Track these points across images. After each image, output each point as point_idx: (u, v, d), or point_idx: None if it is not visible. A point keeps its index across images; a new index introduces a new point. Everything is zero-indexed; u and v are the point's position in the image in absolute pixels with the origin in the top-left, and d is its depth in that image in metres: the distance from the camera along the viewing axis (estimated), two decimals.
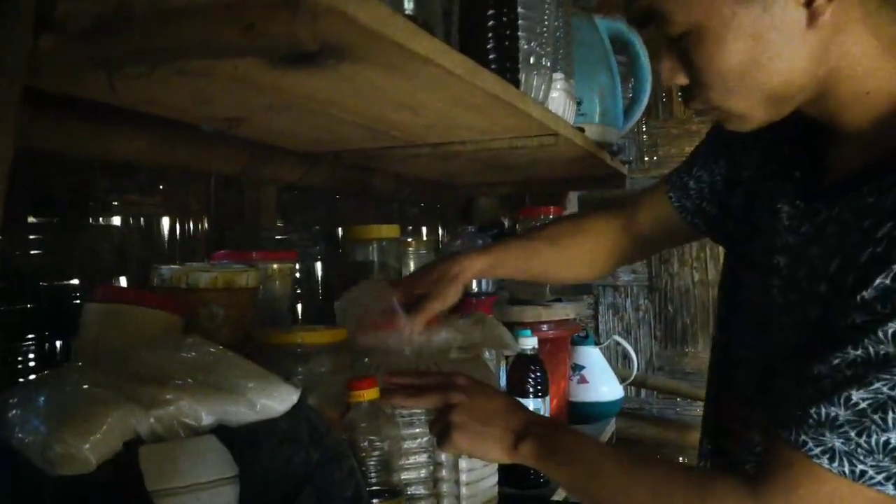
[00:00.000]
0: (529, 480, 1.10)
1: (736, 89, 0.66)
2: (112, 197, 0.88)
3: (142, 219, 0.92)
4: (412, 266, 1.50)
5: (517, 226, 1.64)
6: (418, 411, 0.88)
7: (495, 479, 0.95)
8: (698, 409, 1.59)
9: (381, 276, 1.21)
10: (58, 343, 0.79)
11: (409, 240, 1.52)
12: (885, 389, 0.55)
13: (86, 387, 0.54)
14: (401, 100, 0.78)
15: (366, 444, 0.74)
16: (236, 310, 0.86)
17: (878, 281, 0.57)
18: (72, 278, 0.82)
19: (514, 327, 1.37)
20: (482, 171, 1.48)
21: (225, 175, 1.04)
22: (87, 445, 0.49)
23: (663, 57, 0.70)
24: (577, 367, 1.53)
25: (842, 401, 0.57)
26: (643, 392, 1.94)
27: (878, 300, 0.57)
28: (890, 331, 0.55)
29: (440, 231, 1.77)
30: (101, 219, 0.86)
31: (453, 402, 0.76)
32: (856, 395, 0.56)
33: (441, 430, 0.77)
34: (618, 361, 1.83)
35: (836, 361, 0.58)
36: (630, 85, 1.37)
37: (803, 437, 0.58)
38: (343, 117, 0.88)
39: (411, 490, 0.83)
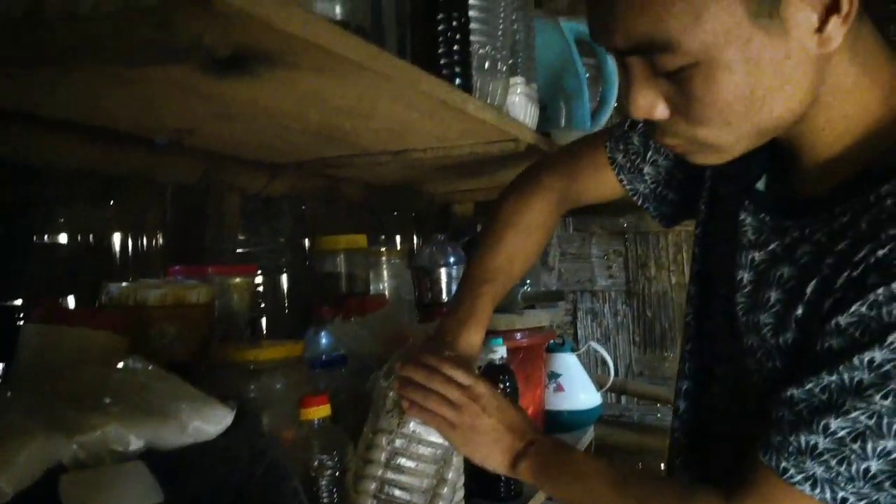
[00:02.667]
0: (500, 495, 1.08)
1: (732, 124, 0.60)
2: (60, 211, 0.85)
3: (92, 234, 0.89)
4: (385, 276, 1.48)
5: None
6: None
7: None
8: None
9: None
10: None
11: (382, 249, 1.50)
12: (862, 418, 0.55)
13: (8, 414, 0.52)
14: (347, 106, 0.76)
15: (317, 463, 0.71)
16: (188, 327, 0.83)
17: (854, 307, 0.56)
18: (15, 298, 0.79)
19: (487, 336, 1.35)
20: (454, 177, 1.47)
21: (183, 185, 1.02)
22: (3, 475, 0.47)
23: (639, 89, 0.61)
24: (554, 375, 1.50)
25: (821, 429, 0.56)
26: (623, 398, 1.92)
27: (855, 326, 0.56)
28: (866, 358, 0.54)
29: (415, 238, 1.75)
30: (46, 234, 0.84)
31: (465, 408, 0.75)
32: (834, 424, 0.56)
33: (448, 427, 0.76)
34: (597, 368, 1.82)
35: (810, 386, 0.57)
36: (598, 87, 1.36)
37: (784, 464, 0.58)
38: (294, 126, 0.86)
39: (407, 496, 0.79)
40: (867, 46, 0.61)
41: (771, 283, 0.65)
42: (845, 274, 0.57)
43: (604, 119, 1.33)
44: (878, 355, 0.54)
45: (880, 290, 0.54)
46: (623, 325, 2.05)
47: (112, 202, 0.91)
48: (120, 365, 0.60)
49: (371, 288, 1.40)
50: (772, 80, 0.58)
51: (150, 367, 0.60)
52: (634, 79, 0.61)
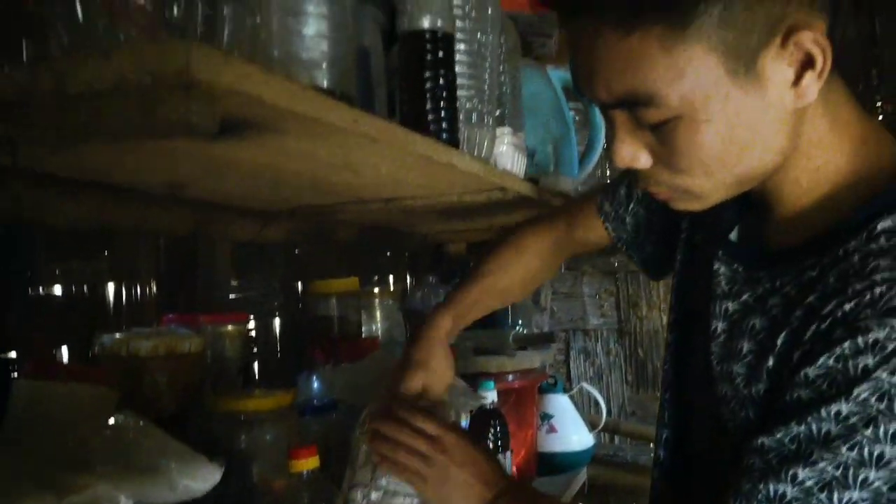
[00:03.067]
0: None
1: (713, 174, 0.62)
2: (54, 263, 0.87)
3: (86, 285, 0.91)
4: (378, 317, 1.49)
5: None
6: None
7: None
8: None
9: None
10: None
11: (375, 290, 1.52)
12: (829, 469, 0.56)
13: None
14: (337, 162, 0.78)
15: None
16: (180, 376, 0.84)
17: (822, 360, 0.57)
18: (9, 351, 0.81)
19: (479, 378, 1.36)
20: (446, 220, 1.49)
21: (175, 235, 1.04)
22: None
23: (622, 139, 0.63)
24: (546, 417, 1.51)
25: (789, 478, 0.57)
26: (616, 438, 1.92)
27: (822, 378, 0.57)
28: (833, 410, 0.56)
29: (408, 279, 1.77)
30: (41, 286, 0.86)
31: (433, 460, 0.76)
32: (802, 473, 0.57)
33: (419, 479, 0.76)
34: (590, 408, 1.82)
35: (780, 435, 0.58)
36: (586, 133, 1.38)
37: None
38: (286, 179, 0.89)
39: None
40: (837, 100, 0.64)
41: (743, 333, 0.66)
42: (813, 326, 0.59)
43: (591, 164, 1.36)
44: (844, 408, 0.55)
45: (846, 344, 0.56)
46: (615, 365, 2.05)
47: (106, 253, 0.93)
48: (110, 421, 0.61)
49: (364, 330, 1.41)
50: (750, 133, 0.60)
51: (139, 423, 0.61)
52: (618, 130, 0.63)
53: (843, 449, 0.55)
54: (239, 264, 1.18)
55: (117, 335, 0.82)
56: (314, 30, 0.59)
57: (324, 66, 0.60)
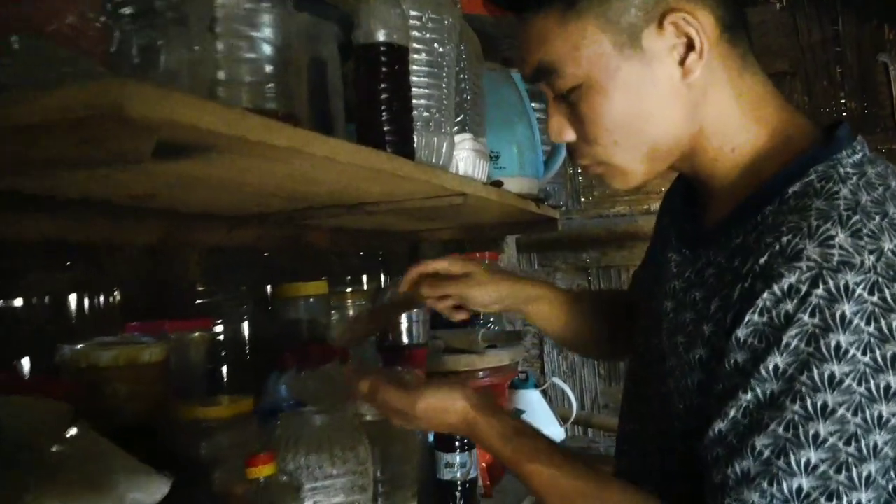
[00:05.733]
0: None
1: (620, 143, 0.71)
2: (17, 275, 0.88)
3: (48, 296, 0.92)
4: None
5: None
6: (337, 474, 0.90)
7: None
8: None
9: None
10: None
11: (348, 290, 1.53)
12: (780, 431, 0.57)
13: None
14: (295, 175, 0.80)
15: None
16: (142, 386, 0.86)
17: (747, 317, 0.59)
18: None
19: (449, 377, 1.38)
20: (417, 220, 1.50)
21: (141, 242, 1.05)
22: None
23: (551, 114, 0.74)
24: (517, 412, 1.53)
25: (749, 451, 0.58)
26: (590, 431, 1.95)
27: (752, 336, 0.59)
28: (770, 365, 0.58)
29: (382, 278, 1.78)
30: (2, 299, 0.86)
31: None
32: (759, 443, 0.58)
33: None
34: (563, 402, 1.85)
35: (733, 413, 0.60)
36: None
37: (727, 500, 0.59)
38: (249, 189, 0.90)
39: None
40: (752, 88, 0.71)
41: (686, 305, 0.70)
42: (738, 287, 0.62)
43: (556, 166, 1.38)
44: (778, 360, 0.57)
45: (765, 295, 0.59)
46: (588, 359, 2.08)
47: (68, 263, 0.94)
48: (65, 435, 0.62)
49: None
50: (644, 104, 0.69)
51: (91, 437, 0.63)
52: (550, 105, 0.74)
53: (787, 403, 0.56)
54: (207, 269, 1.19)
55: (78, 346, 0.83)
56: (258, 53, 0.61)
57: (269, 87, 0.61)
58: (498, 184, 1.24)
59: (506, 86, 1.30)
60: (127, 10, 0.49)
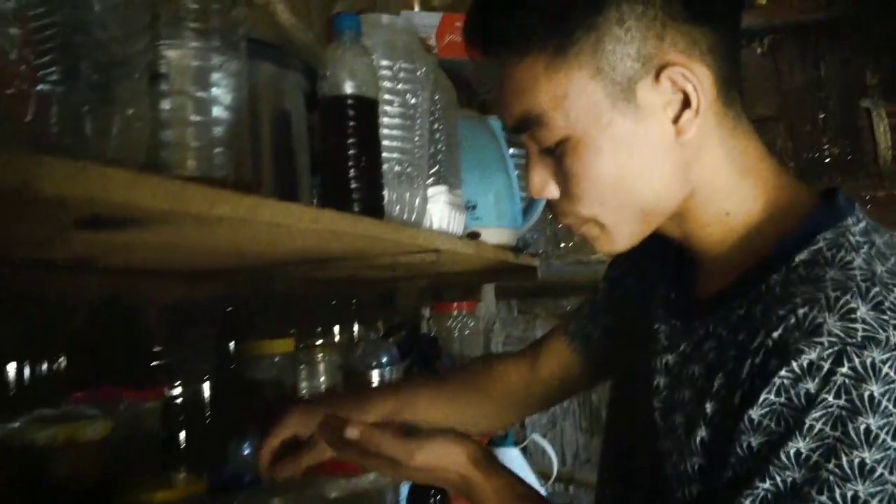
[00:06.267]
0: None
1: (607, 203, 0.66)
2: None
3: None
4: (321, 374, 1.43)
5: (430, 321, 1.60)
6: None
7: None
8: None
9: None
10: None
11: (317, 344, 1.46)
12: None
13: None
14: (252, 238, 0.74)
15: None
16: (85, 466, 0.79)
17: (762, 396, 0.54)
18: None
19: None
20: (391, 270, 1.45)
21: (90, 302, 0.98)
22: None
23: (533, 168, 0.69)
24: None
25: None
26: (572, 487, 1.88)
27: (768, 417, 0.54)
28: (791, 451, 0.52)
29: (356, 328, 1.71)
30: None
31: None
32: None
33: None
34: (543, 457, 1.78)
35: (749, 502, 0.54)
36: None
37: None
38: (202, 252, 0.84)
39: None
40: (746, 149, 0.67)
41: (683, 382, 0.65)
42: (747, 363, 0.57)
43: (534, 216, 1.33)
44: (801, 445, 0.52)
45: (782, 373, 0.53)
46: (569, 411, 2.01)
47: (6, 326, 0.87)
48: None
49: (305, 388, 1.36)
50: (634, 161, 0.64)
51: None
52: (530, 158, 0.69)
53: (813, 494, 0.51)
54: (165, 327, 1.12)
55: (13, 424, 0.76)
56: (207, 115, 0.55)
57: (218, 151, 0.56)
58: (475, 235, 1.19)
59: (483, 133, 1.26)
60: (50, 74, 0.43)
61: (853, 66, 1.95)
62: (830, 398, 0.51)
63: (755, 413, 0.54)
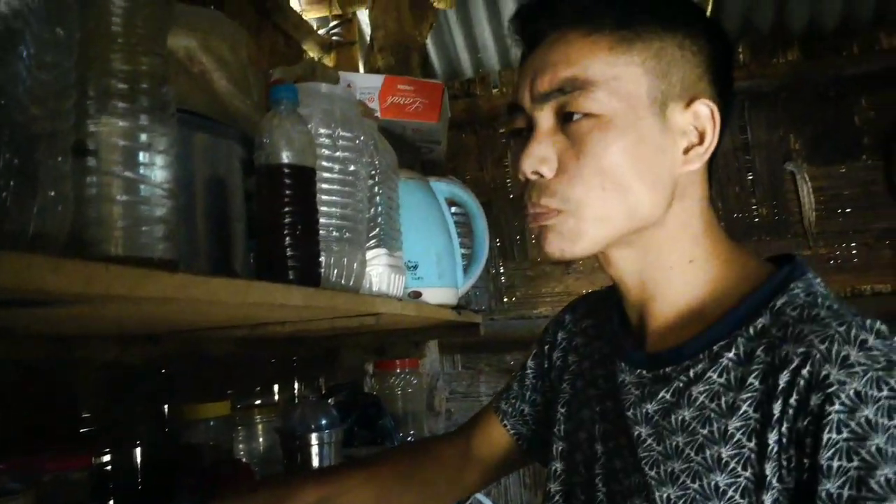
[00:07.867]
0: None
1: (607, 188, 0.67)
2: None
3: None
4: (259, 435, 1.40)
5: (372, 379, 1.59)
6: None
7: None
8: None
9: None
10: None
11: (256, 403, 1.43)
12: None
13: None
14: (180, 310, 0.73)
15: None
16: None
17: (825, 438, 0.55)
18: None
19: None
20: (332, 330, 1.43)
21: (19, 365, 0.94)
22: None
23: (539, 142, 0.69)
24: None
25: None
26: None
27: (838, 457, 0.55)
28: (882, 480, 0.53)
29: (296, 387, 1.69)
30: None
31: None
32: None
33: None
34: None
35: None
36: (470, 243, 1.38)
37: None
38: (133, 322, 0.82)
39: None
40: (713, 221, 0.74)
41: (673, 430, 0.66)
42: (776, 404, 0.59)
43: (475, 273, 1.35)
44: (888, 471, 0.53)
45: (833, 409, 0.55)
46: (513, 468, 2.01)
47: None
48: None
49: (243, 450, 1.33)
50: (644, 163, 0.67)
51: None
52: (538, 132, 0.70)
53: None
54: (95, 390, 1.09)
55: None
56: (135, 195, 0.55)
57: (144, 230, 0.55)
58: (416, 295, 1.19)
59: (424, 194, 1.27)
60: None
61: (778, 131, 2.05)
62: (887, 420, 0.54)
63: (823, 457, 0.55)
